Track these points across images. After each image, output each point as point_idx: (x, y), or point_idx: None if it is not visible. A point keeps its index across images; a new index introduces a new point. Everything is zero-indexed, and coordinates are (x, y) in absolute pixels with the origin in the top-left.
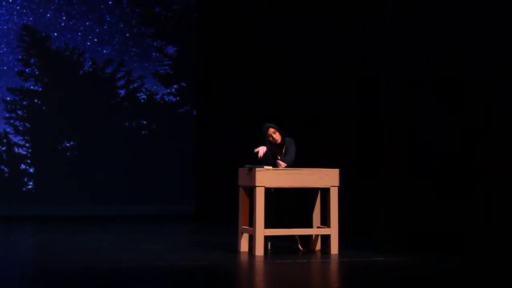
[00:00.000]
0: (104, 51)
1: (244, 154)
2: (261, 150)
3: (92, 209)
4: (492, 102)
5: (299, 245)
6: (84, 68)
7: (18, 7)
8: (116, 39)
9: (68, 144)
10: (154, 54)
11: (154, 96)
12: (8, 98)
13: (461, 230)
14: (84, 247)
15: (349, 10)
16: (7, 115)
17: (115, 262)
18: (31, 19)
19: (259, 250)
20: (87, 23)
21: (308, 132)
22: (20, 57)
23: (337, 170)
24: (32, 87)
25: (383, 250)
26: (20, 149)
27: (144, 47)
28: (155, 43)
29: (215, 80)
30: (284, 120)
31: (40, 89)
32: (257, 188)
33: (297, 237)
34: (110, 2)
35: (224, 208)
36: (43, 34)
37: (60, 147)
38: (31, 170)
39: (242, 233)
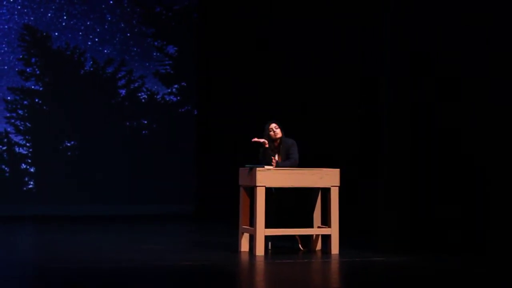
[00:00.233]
0: (105, 51)
1: (245, 154)
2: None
3: (93, 208)
4: (492, 102)
5: (300, 245)
6: (85, 68)
7: (19, 7)
8: (117, 39)
9: (68, 144)
10: (154, 53)
11: (155, 96)
12: (9, 98)
13: (461, 230)
14: (84, 247)
15: (350, 10)
16: (8, 114)
17: (115, 262)
18: (32, 18)
19: (260, 250)
20: (88, 23)
21: (308, 132)
22: (21, 56)
23: (338, 170)
24: (33, 87)
25: (383, 250)
26: (20, 148)
27: (144, 47)
28: (155, 43)
29: (215, 80)
30: (285, 120)
31: (41, 89)
32: (257, 188)
33: (297, 237)
34: (111, 2)
35: (225, 208)
36: (44, 34)
37: (60, 147)
38: (32, 170)
39: (243, 233)
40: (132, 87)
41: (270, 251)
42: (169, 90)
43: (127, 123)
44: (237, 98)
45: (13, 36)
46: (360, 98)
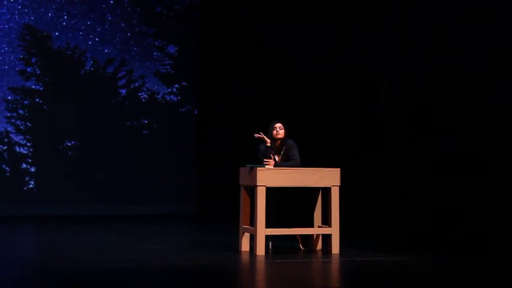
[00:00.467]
0: (106, 51)
1: (245, 154)
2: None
3: (93, 208)
4: (492, 102)
5: (300, 245)
6: (85, 68)
7: (19, 7)
8: (117, 39)
9: (69, 144)
10: (155, 53)
11: (155, 96)
12: (9, 98)
13: (461, 230)
14: (84, 247)
15: (351, 10)
16: (8, 114)
17: (115, 262)
18: (32, 18)
19: (260, 250)
20: (89, 23)
21: (309, 131)
22: (21, 56)
23: (338, 169)
24: (33, 87)
25: (383, 249)
26: (21, 148)
27: (145, 47)
28: (156, 43)
29: (216, 80)
30: (286, 119)
31: (41, 89)
32: (258, 187)
33: (298, 236)
34: (112, 2)
35: (225, 207)
36: (45, 34)
37: (61, 147)
38: (32, 170)
39: (243, 233)
40: (132, 86)
41: (270, 250)
42: (170, 90)
43: (128, 123)
44: (237, 98)
45: (13, 35)
46: (360, 98)
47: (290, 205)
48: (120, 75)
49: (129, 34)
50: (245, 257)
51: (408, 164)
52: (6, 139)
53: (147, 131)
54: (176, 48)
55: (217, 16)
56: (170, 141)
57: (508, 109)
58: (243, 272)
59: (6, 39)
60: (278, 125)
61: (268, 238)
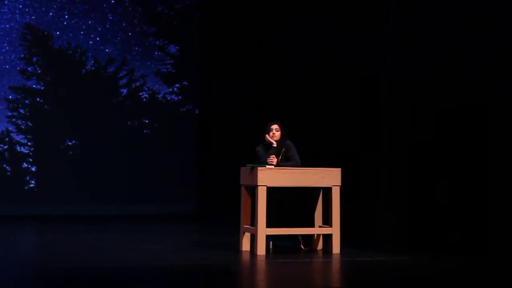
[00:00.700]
0: (107, 50)
1: (246, 154)
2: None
3: (93, 208)
4: (493, 102)
5: (301, 245)
6: (87, 67)
7: (20, 6)
8: (119, 38)
9: (70, 143)
10: (156, 53)
11: (156, 95)
12: (10, 97)
13: (461, 230)
14: (84, 247)
15: (351, 9)
16: (9, 113)
17: (115, 262)
18: (33, 17)
19: (261, 250)
20: (90, 22)
21: (310, 131)
22: (22, 55)
23: (339, 169)
24: (34, 86)
25: (384, 249)
26: (22, 147)
27: (146, 46)
28: (157, 42)
29: (217, 79)
30: (286, 119)
31: (42, 88)
32: (259, 187)
33: (300, 237)
34: (113, 1)
35: (226, 207)
36: (46, 33)
37: (62, 146)
38: (33, 169)
39: (244, 233)
40: (133, 86)
41: (271, 250)
42: (171, 89)
43: (128, 122)
44: (238, 98)
45: (14, 35)
46: (361, 97)
47: (291, 205)
48: (121, 74)
49: (130, 34)
50: (246, 257)
51: (408, 164)
52: (7, 139)
53: (148, 131)
54: (177, 47)
55: (218, 15)
56: (171, 141)
57: (509, 109)
58: (243, 272)
59: (7, 38)
60: (275, 126)
61: (268, 238)
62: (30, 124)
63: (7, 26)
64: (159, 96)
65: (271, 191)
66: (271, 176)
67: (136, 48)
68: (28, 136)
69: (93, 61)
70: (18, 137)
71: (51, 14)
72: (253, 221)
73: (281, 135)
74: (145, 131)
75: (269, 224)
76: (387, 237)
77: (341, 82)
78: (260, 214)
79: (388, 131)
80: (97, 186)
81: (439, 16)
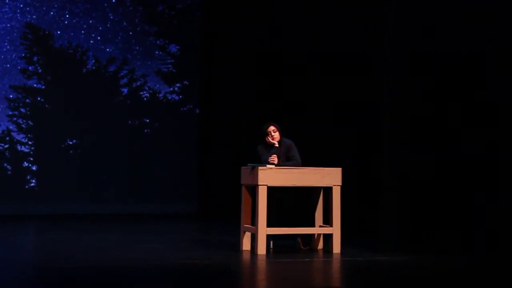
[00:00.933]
0: (107, 50)
1: (247, 153)
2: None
3: (94, 207)
4: (493, 102)
5: (301, 245)
6: (87, 66)
7: (21, 5)
8: (119, 38)
9: (70, 142)
10: (157, 52)
11: (157, 95)
12: (11, 96)
13: (461, 230)
14: (85, 246)
15: (352, 9)
16: (10, 113)
17: (117, 261)
18: (34, 17)
19: (261, 249)
20: (90, 21)
21: (310, 130)
22: (23, 55)
23: (340, 169)
24: (35, 85)
25: (384, 249)
26: (22, 147)
27: (147, 46)
28: (158, 42)
29: (218, 79)
30: (287, 118)
31: (43, 87)
32: (259, 187)
33: (298, 238)
34: (113, 1)
35: (226, 207)
36: (46, 32)
37: (62, 145)
38: (34, 168)
39: (244, 232)
40: (134, 85)
41: (271, 250)
42: (171, 89)
43: (129, 122)
44: (239, 97)
45: (15, 34)
46: (362, 97)
47: (291, 204)
48: (121, 74)
49: (131, 33)
50: (246, 256)
51: (409, 164)
52: (7, 138)
53: (148, 130)
54: (177, 47)
55: (218, 15)
56: (171, 140)
57: (509, 109)
58: (244, 272)
59: (8, 37)
60: (272, 128)
61: (269, 237)
62: (31, 123)
63: (8, 25)
64: (160, 95)
65: (271, 190)
66: (272, 175)
67: (137, 48)
68: (29, 135)
69: (94, 61)
70: (19, 136)
71: (52, 13)
72: (254, 221)
73: (280, 134)
74: (145, 130)
75: (269, 224)
76: (387, 237)
77: (342, 82)
78: (260, 214)
79: (389, 131)
80: (98, 185)
81: (440, 15)
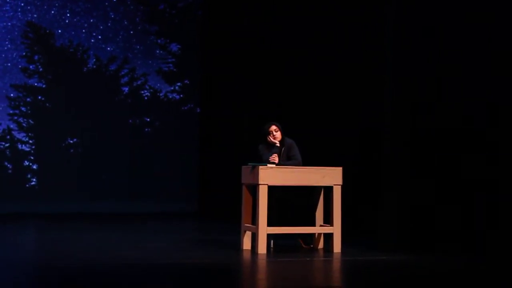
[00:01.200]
0: (108, 48)
1: (248, 152)
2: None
3: (94, 206)
4: (494, 102)
5: (302, 243)
6: (88, 65)
7: (22, 4)
8: (120, 37)
9: (71, 141)
10: (158, 51)
11: (158, 94)
12: (12, 95)
13: (461, 230)
14: (85, 245)
15: (353, 8)
16: (11, 111)
17: (117, 260)
18: (35, 16)
19: (262, 248)
20: (91, 20)
21: (311, 130)
22: (24, 53)
23: (340, 168)
24: (36, 84)
25: (385, 249)
26: (23, 145)
27: (148, 45)
28: (159, 41)
29: (218, 78)
30: (288, 117)
31: (44, 86)
32: (260, 186)
33: (299, 239)
34: (114, 0)
35: (227, 206)
36: (47, 31)
37: (63, 144)
38: (34, 167)
39: (245, 231)
40: (135, 84)
41: (272, 249)
42: (172, 88)
43: (130, 121)
44: (240, 96)
45: (16, 33)
46: (362, 96)
47: (292, 204)
48: (122, 73)
49: (131, 32)
50: (247, 256)
51: (409, 164)
52: (8, 137)
53: (149, 129)
54: (178, 46)
55: (219, 14)
56: (172, 139)
57: (509, 109)
58: (244, 271)
59: (8, 36)
60: (273, 127)
61: (269, 236)
62: (32, 122)
63: (9, 24)
64: (161, 94)
65: (272, 190)
66: (272, 175)
67: (138, 47)
68: (30, 134)
69: (94, 60)
70: (20, 135)
71: (53, 12)
72: (254, 220)
73: (281, 134)
74: (146, 129)
75: (270, 223)
76: (387, 237)
77: (342, 81)
78: (261, 213)
79: (389, 131)
80: (98, 184)
81: (440, 14)
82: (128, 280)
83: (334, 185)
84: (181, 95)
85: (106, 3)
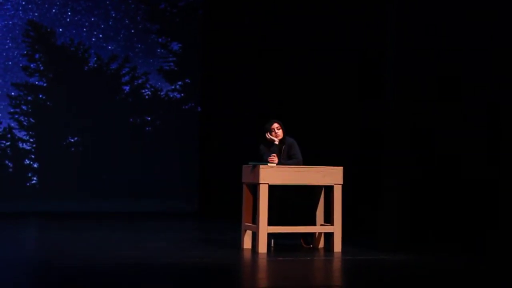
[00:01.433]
0: (109, 47)
1: (248, 151)
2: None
3: (95, 205)
4: (495, 101)
5: (303, 243)
6: (89, 64)
7: (23, 2)
8: (121, 35)
9: (72, 140)
10: (159, 50)
11: (159, 93)
12: (12, 93)
13: (461, 230)
14: (86, 245)
15: (353, 7)
16: (12, 110)
17: (118, 259)
18: (36, 14)
19: (262, 247)
20: (93, 19)
21: (312, 129)
22: (25, 52)
23: (341, 168)
24: (36, 83)
25: (385, 248)
26: (24, 144)
27: (149, 44)
28: (160, 40)
29: (219, 77)
30: (288, 117)
31: (44, 85)
32: (260, 185)
33: (301, 238)
34: None
35: (228, 205)
36: (48, 30)
37: (64, 143)
38: (35, 166)
39: (245, 230)
40: (136, 83)
41: (272, 248)
42: (173, 87)
43: (131, 120)
44: (241, 95)
45: (17, 31)
46: (363, 96)
47: (293, 203)
48: (123, 71)
49: (133, 31)
50: (247, 255)
51: (409, 164)
52: (9, 135)
53: (150, 128)
54: (179, 45)
55: (220, 13)
56: (173, 138)
57: (509, 109)
58: (245, 270)
59: (10, 35)
60: (276, 125)
61: (270, 236)
62: (33, 120)
63: (10, 22)
64: (162, 93)
65: (272, 189)
66: (273, 174)
67: (139, 46)
68: (31, 132)
69: (95, 58)
70: (21, 134)
71: (54, 10)
72: (255, 219)
73: (283, 132)
74: (147, 128)
75: (270, 222)
76: (387, 237)
77: (343, 81)
78: (261, 212)
79: (390, 130)
80: (99, 183)
81: (441, 13)
82: (128, 280)
83: (335, 184)
84: (182, 94)
85: (107, 2)
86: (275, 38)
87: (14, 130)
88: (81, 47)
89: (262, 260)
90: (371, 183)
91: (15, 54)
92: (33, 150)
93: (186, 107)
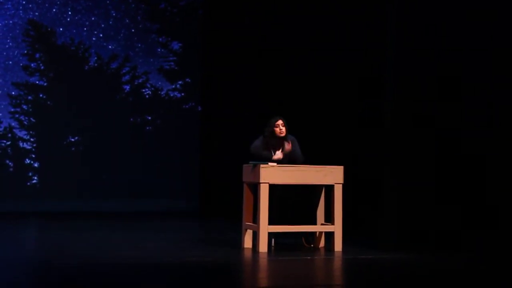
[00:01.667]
0: (110, 47)
1: (248, 151)
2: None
3: (95, 205)
4: (495, 101)
5: (304, 242)
6: (89, 64)
7: (24, 2)
8: (122, 35)
9: (72, 139)
10: (159, 50)
11: (159, 92)
12: (13, 93)
13: (462, 230)
14: (86, 244)
15: (353, 7)
16: (12, 109)
17: (118, 259)
18: (36, 13)
19: (263, 247)
20: (93, 19)
21: (312, 129)
22: (25, 51)
23: (341, 167)
24: (37, 82)
25: (386, 248)
26: (24, 143)
27: (149, 43)
28: (160, 39)
29: (220, 76)
30: (288, 116)
31: (45, 84)
32: (261, 184)
33: (303, 237)
34: None
35: (228, 204)
36: (49, 29)
37: (64, 142)
38: (36, 165)
39: (246, 230)
40: (136, 83)
41: (273, 247)
42: (173, 86)
43: (131, 119)
44: (241, 95)
45: (17, 31)
46: (363, 96)
47: (293, 202)
48: (123, 71)
49: (133, 31)
50: (248, 254)
51: (409, 163)
52: (9, 135)
53: (150, 128)
54: (180, 44)
55: (220, 12)
56: (173, 138)
57: (509, 109)
58: (245, 269)
59: (10, 34)
60: (281, 122)
61: (270, 235)
62: (33, 120)
63: (10, 22)
64: (162, 93)
65: (273, 188)
66: (274, 173)
67: (139, 45)
68: (31, 132)
69: (96, 58)
70: (21, 133)
71: (54, 10)
72: (255, 218)
73: (287, 130)
74: (147, 128)
75: (271, 222)
76: (387, 237)
77: (343, 81)
78: (262, 212)
79: (390, 130)
80: (99, 183)
81: (442, 13)
82: (128, 280)
83: (335, 183)
84: (182, 94)
85: (108, 1)
86: (275, 38)
87: (14, 130)
88: (82, 46)
89: (263, 260)
90: (371, 183)
91: (16, 54)
92: (33, 149)
93: (187, 106)
